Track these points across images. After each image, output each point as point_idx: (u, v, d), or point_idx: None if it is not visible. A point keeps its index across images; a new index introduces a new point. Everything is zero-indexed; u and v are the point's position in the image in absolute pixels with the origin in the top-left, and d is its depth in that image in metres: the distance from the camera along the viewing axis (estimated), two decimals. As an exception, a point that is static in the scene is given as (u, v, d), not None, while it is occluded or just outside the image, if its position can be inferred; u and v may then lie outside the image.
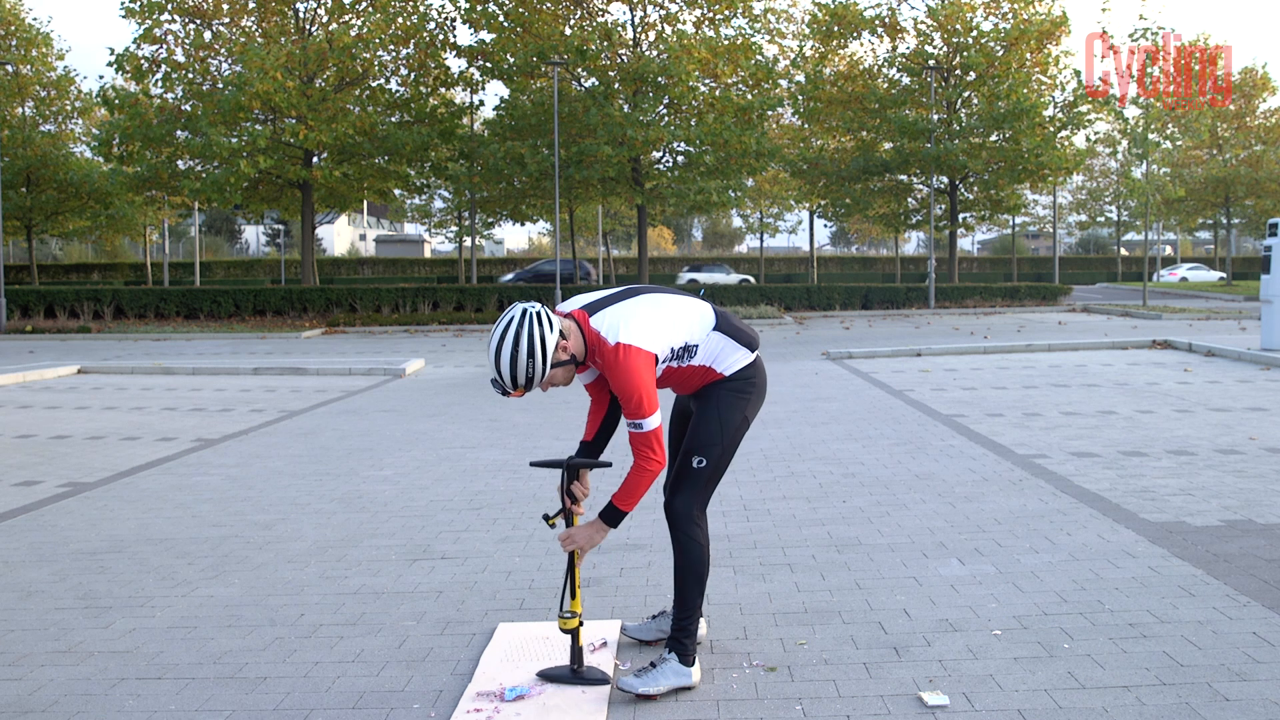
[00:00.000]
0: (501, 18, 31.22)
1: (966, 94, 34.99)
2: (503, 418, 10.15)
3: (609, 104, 30.20)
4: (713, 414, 3.60)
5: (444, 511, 6.20)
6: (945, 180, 36.22)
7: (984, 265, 67.65)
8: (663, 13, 32.67)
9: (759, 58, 31.30)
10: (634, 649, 3.92)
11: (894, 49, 36.00)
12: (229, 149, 28.78)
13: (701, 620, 3.93)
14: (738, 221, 68.94)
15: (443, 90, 33.76)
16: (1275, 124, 46.63)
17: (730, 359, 3.63)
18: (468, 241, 46.76)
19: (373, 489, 6.90)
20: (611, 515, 3.53)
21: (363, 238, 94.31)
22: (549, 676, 3.62)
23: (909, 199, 39.41)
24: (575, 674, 3.59)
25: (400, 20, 31.28)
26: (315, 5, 32.37)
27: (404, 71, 32.45)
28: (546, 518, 3.70)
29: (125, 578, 4.99)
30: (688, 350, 3.55)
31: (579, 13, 32.64)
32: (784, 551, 5.11)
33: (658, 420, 3.42)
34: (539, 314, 3.32)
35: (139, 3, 29.82)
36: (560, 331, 3.37)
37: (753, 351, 3.67)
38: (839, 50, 36.12)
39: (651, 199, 33.00)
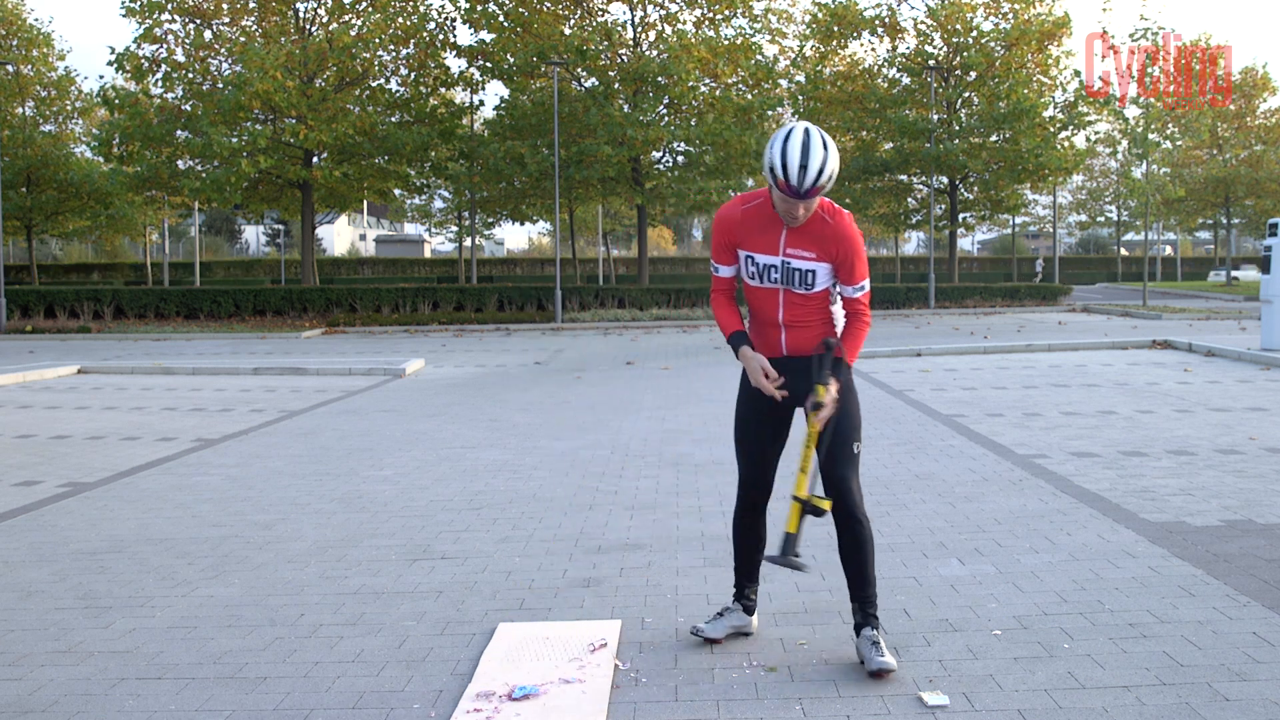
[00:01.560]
0: (501, 18, 31.25)
1: (967, 94, 34.99)
2: (503, 418, 10.15)
3: (609, 104, 30.21)
4: (852, 399, 3.79)
5: (444, 511, 6.20)
6: (945, 180, 36.23)
7: (984, 265, 67.66)
8: (663, 12, 32.69)
9: (759, 58, 31.33)
10: (633, 647, 3.91)
11: (894, 49, 36.01)
12: (229, 149, 28.80)
13: (756, 616, 4.03)
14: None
15: (443, 90, 33.78)
16: (1275, 124, 46.65)
17: None
18: (468, 241, 46.80)
19: (373, 489, 6.90)
20: (846, 368, 3.74)
21: (363, 238, 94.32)
22: (771, 559, 3.74)
23: (909, 199, 39.43)
24: (785, 559, 3.68)
25: (400, 20, 31.32)
26: (315, 5, 32.41)
27: (404, 71, 32.50)
28: (816, 405, 3.69)
29: (125, 578, 4.99)
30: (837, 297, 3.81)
31: (579, 13, 32.66)
32: (784, 551, 5.11)
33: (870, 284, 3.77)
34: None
35: (139, 2, 29.85)
36: None
37: None
38: (839, 50, 36.12)
39: (651, 199, 33.02)
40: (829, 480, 3.73)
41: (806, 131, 3.46)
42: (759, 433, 3.88)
